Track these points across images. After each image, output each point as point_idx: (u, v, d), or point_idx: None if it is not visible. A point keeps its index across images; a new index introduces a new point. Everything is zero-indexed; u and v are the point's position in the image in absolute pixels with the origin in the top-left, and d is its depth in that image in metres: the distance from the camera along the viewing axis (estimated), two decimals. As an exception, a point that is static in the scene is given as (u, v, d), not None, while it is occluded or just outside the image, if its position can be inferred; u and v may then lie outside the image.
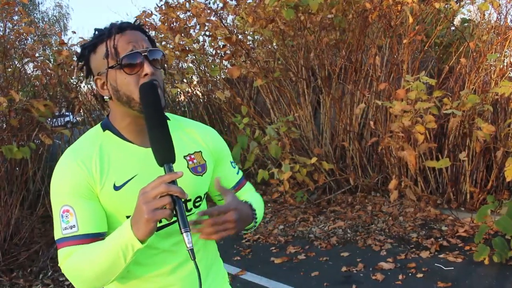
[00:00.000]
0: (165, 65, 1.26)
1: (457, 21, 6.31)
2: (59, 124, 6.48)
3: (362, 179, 5.73)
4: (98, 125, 1.28)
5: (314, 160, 4.93)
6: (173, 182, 1.03)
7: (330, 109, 5.96)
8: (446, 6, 5.37)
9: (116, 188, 1.19)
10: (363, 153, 5.83)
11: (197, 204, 1.31)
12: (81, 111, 6.59)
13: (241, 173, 1.49)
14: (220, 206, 1.15)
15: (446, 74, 5.30)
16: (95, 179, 1.17)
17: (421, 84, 4.12)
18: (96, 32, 1.22)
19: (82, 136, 1.28)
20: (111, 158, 1.21)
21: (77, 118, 7.26)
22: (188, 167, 1.28)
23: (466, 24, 5.93)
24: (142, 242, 1.04)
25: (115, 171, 1.20)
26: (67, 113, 7.03)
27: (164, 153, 1.08)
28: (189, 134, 1.34)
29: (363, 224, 4.90)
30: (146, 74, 1.15)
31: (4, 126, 4.64)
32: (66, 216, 1.15)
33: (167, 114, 1.33)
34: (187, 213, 1.26)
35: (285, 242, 4.67)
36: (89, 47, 1.22)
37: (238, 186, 1.46)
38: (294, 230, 4.98)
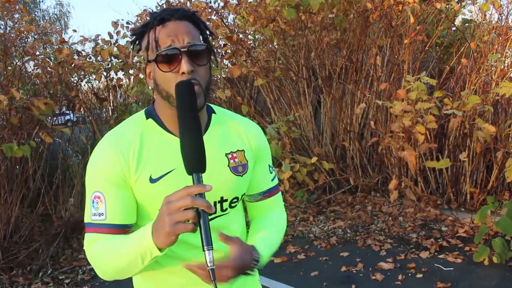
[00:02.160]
0: (215, 58, 1.18)
1: (458, 21, 6.31)
2: (60, 122, 6.48)
3: (362, 179, 5.73)
4: (143, 111, 1.24)
5: (314, 159, 4.93)
6: (201, 194, 0.96)
7: (330, 109, 5.96)
8: (447, 6, 5.37)
9: (152, 180, 1.15)
10: (364, 153, 5.83)
11: (233, 204, 1.26)
12: (81, 110, 6.59)
13: (276, 181, 1.40)
14: (220, 263, 1.08)
15: (447, 74, 5.30)
16: (130, 169, 1.14)
17: (421, 84, 4.12)
18: (149, 17, 1.17)
19: (125, 120, 1.24)
20: (151, 149, 1.17)
21: (78, 117, 7.26)
22: (228, 165, 1.23)
23: (467, 24, 5.93)
24: (160, 250, 1.01)
25: (153, 162, 1.16)
26: (67, 112, 7.03)
27: (193, 162, 1.01)
28: (234, 130, 1.28)
29: (363, 224, 4.90)
30: (183, 73, 1.08)
31: (5, 124, 4.64)
32: (97, 203, 1.14)
33: (213, 107, 1.29)
34: (222, 213, 1.23)
35: (284, 242, 4.67)
36: (138, 34, 1.19)
37: (269, 193, 1.37)
38: (294, 230, 4.98)
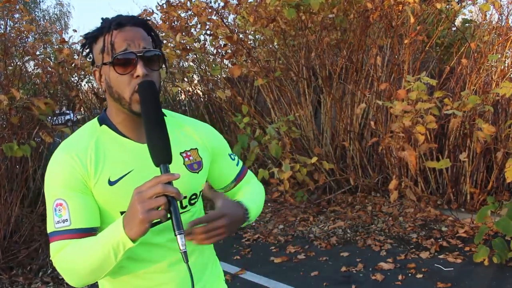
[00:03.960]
0: (165, 65, 1.24)
1: (458, 21, 6.31)
2: (60, 122, 6.48)
3: (362, 179, 5.73)
4: (95, 119, 1.27)
5: (314, 159, 4.92)
6: (169, 183, 1.02)
7: (330, 109, 5.96)
8: (447, 6, 5.37)
9: (111, 183, 1.18)
10: (364, 153, 5.83)
11: (192, 201, 1.30)
12: (81, 110, 6.60)
13: (240, 164, 1.48)
14: (210, 214, 1.15)
15: (447, 74, 5.30)
16: (89, 173, 1.16)
17: (422, 84, 4.12)
18: (102, 22, 1.20)
19: (78, 129, 1.27)
20: (106, 153, 1.20)
21: (78, 117, 7.26)
22: (184, 164, 1.28)
23: (467, 24, 5.93)
24: (133, 241, 1.03)
25: (111, 166, 1.19)
26: (67, 112, 7.03)
27: (161, 154, 1.06)
28: (185, 131, 1.33)
29: (363, 224, 4.90)
30: (137, 76, 1.13)
31: (5, 124, 4.64)
32: (59, 210, 1.15)
33: (163, 110, 1.32)
34: (182, 210, 1.26)
35: (285, 242, 4.67)
36: (90, 38, 1.21)
37: (239, 177, 1.46)
38: (294, 230, 4.98)
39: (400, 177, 5.04)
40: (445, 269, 3.72)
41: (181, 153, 1.28)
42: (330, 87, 5.85)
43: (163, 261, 1.24)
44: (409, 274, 3.68)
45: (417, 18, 5.01)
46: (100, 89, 6.64)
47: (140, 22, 1.19)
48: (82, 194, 1.16)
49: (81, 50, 1.28)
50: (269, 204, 6.01)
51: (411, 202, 5.11)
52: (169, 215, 1.02)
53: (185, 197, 1.27)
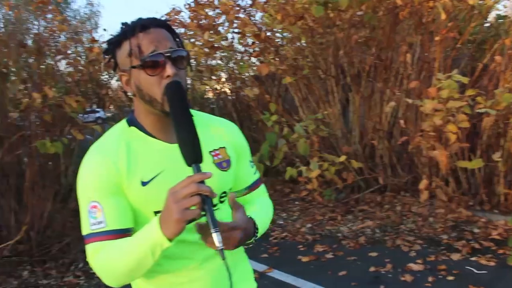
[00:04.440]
0: (190, 63, 1.25)
1: (492, 17, 6.15)
2: (90, 120, 6.60)
3: (391, 178, 5.66)
4: (124, 120, 1.29)
5: (343, 158, 4.88)
6: (202, 181, 1.03)
7: (359, 107, 5.90)
8: (480, 2, 5.24)
9: (144, 183, 1.19)
10: (393, 152, 5.75)
11: (222, 199, 1.31)
12: (111, 107, 6.70)
13: (258, 175, 1.48)
14: (229, 223, 1.14)
15: (479, 72, 5.17)
16: (122, 175, 1.18)
17: (453, 82, 4.04)
18: (123, 27, 1.22)
19: (107, 131, 1.28)
20: (137, 154, 1.21)
21: (108, 114, 7.38)
22: (213, 162, 1.28)
23: (501, 20, 5.77)
24: (170, 240, 1.05)
25: (142, 167, 1.20)
26: (97, 109, 7.16)
27: (192, 154, 1.08)
28: (213, 130, 1.34)
29: (392, 224, 4.83)
30: (168, 76, 1.14)
31: (38, 121, 4.75)
32: (94, 212, 1.16)
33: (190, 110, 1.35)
34: (213, 209, 1.27)
35: (312, 241, 4.65)
36: (114, 43, 1.22)
37: (253, 187, 1.45)
38: (322, 229, 4.95)
39: (431, 177, 4.95)
40: (477, 272, 3.64)
41: (210, 152, 1.29)
42: (359, 85, 5.79)
43: (196, 257, 1.26)
44: (440, 276, 3.61)
45: (448, 15, 4.90)
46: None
47: (162, 23, 1.21)
48: (116, 196, 1.18)
49: (103, 56, 1.29)
50: (297, 203, 6.00)
51: (441, 203, 5.01)
52: (203, 213, 1.03)
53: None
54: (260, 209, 1.39)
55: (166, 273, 1.26)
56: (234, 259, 1.36)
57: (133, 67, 1.17)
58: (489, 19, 6.06)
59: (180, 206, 1.00)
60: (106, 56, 1.27)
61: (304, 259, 4.20)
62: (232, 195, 1.20)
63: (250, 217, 1.26)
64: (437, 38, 4.89)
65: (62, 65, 5.96)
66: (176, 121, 1.10)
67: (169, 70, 1.13)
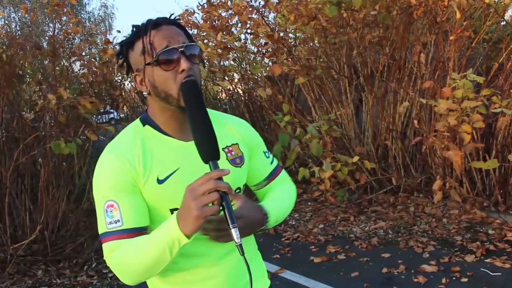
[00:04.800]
0: (203, 59, 1.25)
1: (508, 15, 6.07)
2: (104, 121, 6.66)
3: (404, 179, 5.61)
4: (138, 120, 1.29)
5: (356, 159, 4.86)
6: (220, 178, 1.04)
7: (372, 107, 5.87)
8: (496, 0, 5.17)
9: (160, 181, 1.20)
10: (406, 152, 5.70)
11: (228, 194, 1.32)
12: (124, 108, 6.75)
13: (275, 162, 1.48)
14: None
15: (495, 71, 5.10)
16: (138, 173, 1.19)
17: (468, 82, 3.99)
18: (134, 29, 1.23)
19: (122, 131, 1.29)
20: (153, 152, 1.22)
21: (121, 115, 7.44)
22: (227, 159, 1.29)
23: (517, 19, 5.69)
24: (188, 237, 1.06)
25: (158, 164, 1.21)
26: (111, 110, 7.22)
27: (210, 151, 1.08)
28: (225, 127, 1.35)
29: (405, 225, 4.79)
30: (183, 70, 1.15)
31: (53, 122, 4.81)
32: (111, 211, 1.17)
33: None
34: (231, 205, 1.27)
35: (325, 242, 4.63)
36: (126, 44, 1.23)
37: (272, 176, 1.45)
38: (334, 230, 4.93)
39: (445, 178, 4.89)
40: (492, 273, 3.59)
41: (223, 149, 1.30)
42: (372, 85, 5.76)
43: (212, 255, 1.26)
44: (454, 278, 3.57)
45: (463, 13, 4.85)
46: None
47: (172, 21, 1.22)
48: (132, 195, 1.19)
49: (116, 60, 1.30)
50: (309, 203, 5.98)
51: (455, 204, 4.95)
52: (221, 210, 1.05)
53: None
54: (275, 196, 1.40)
55: (182, 271, 1.26)
56: (248, 257, 1.35)
57: (147, 64, 1.17)
58: (505, 17, 5.98)
59: (199, 202, 1.00)
60: (119, 58, 1.28)
61: (316, 260, 4.19)
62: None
63: (258, 204, 1.27)
64: (451, 37, 4.83)
65: (77, 66, 6.04)
66: (193, 118, 1.11)
67: (184, 64, 1.14)
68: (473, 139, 4.30)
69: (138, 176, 1.19)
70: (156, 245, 1.09)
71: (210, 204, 1.02)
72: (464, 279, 3.52)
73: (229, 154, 1.31)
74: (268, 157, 1.45)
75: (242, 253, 1.04)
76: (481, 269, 3.67)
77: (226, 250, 1.27)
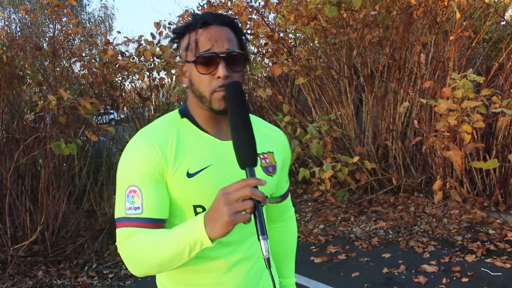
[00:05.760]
0: (249, 66, 1.23)
1: (508, 15, 6.07)
2: (104, 121, 6.67)
3: (405, 179, 5.61)
4: (176, 111, 1.27)
5: (356, 159, 4.85)
6: (256, 187, 1.00)
7: (372, 107, 5.87)
8: (496, 0, 5.17)
9: (189, 175, 1.16)
10: (407, 152, 5.70)
11: (262, 204, 1.28)
12: (125, 109, 6.75)
13: (289, 183, 1.48)
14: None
15: (495, 71, 5.10)
16: (168, 163, 1.16)
17: (468, 82, 3.98)
18: (190, 18, 1.20)
19: (158, 119, 1.26)
20: (187, 145, 1.19)
21: (121, 116, 7.44)
22: (261, 165, 1.26)
23: (517, 19, 5.69)
24: (212, 241, 1.02)
25: (190, 158, 1.18)
26: (111, 111, 7.22)
27: (248, 156, 1.05)
28: (263, 133, 1.32)
29: (405, 225, 4.79)
30: (218, 77, 1.12)
31: (53, 123, 4.81)
32: (132, 197, 1.14)
33: None
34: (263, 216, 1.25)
35: (325, 242, 4.63)
36: (179, 33, 1.21)
37: (285, 195, 1.46)
38: (334, 230, 4.93)
39: (445, 178, 4.90)
40: (492, 273, 3.59)
41: (258, 155, 1.23)
42: (372, 86, 5.76)
43: (225, 260, 1.23)
44: (454, 278, 3.57)
45: (463, 13, 4.85)
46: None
47: (227, 21, 1.18)
48: (157, 185, 1.16)
49: (170, 44, 1.28)
50: (309, 204, 5.98)
51: (456, 204, 4.95)
52: (252, 218, 1.00)
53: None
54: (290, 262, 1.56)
55: (194, 273, 1.23)
56: (259, 267, 1.33)
57: (188, 61, 1.17)
58: (505, 17, 5.98)
59: (232, 208, 0.97)
60: (173, 42, 1.25)
61: (317, 260, 4.19)
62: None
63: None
64: (451, 37, 4.83)
65: (77, 67, 6.04)
66: (234, 121, 1.07)
67: (221, 71, 1.11)
68: (473, 139, 4.30)
69: (167, 166, 1.16)
70: (177, 242, 1.05)
71: (244, 212, 0.98)
72: (465, 279, 3.52)
73: (263, 161, 1.27)
74: (287, 176, 1.45)
75: (269, 267, 0.99)
76: (482, 269, 3.67)
77: (241, 258, 1.24)
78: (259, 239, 0.99)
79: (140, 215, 1.13)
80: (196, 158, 1.18)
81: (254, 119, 1.33)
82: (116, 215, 1.16)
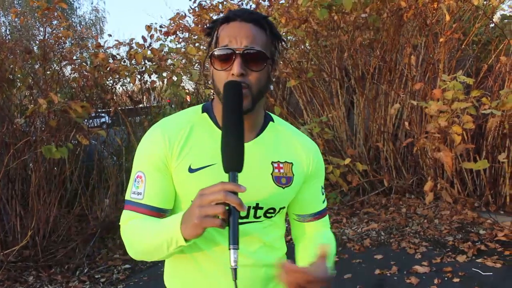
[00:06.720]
0: (272, 66, 1.18)
1: (496, 18, 6.12)
2: (95, 125, 6.63)
3: (396, 180, 5.64)
4: (200, 105, 1.27)
5: (347, 161, 4.87)
6: (234, 193, 0.95)
7: (364, 109, 5.89)
8: (485, 2, 5.22)
9: (191, 170, 1.16)
10: (398, 154, 5.73)
11: (268, 215, 1.23)
12: (116, 112, 6.71)
13: (326, 204, 1.39)
14: (311, 273, 1.02)
15: (484, 73, 5.15)
16: (173, 154, 1.17)
17: (458, 83, 4.02)
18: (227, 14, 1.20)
19: (181, 111, 1.27)
20: (197, 140, 1.19)
21: (114, 118, 7.39)
22: (272, 174, 1.21)
23: (506, 20, 5.74)
24: (186, 241, 1.02)
25: (196, 153, 1.17)
26: (102, 114, 7.19)
27: (232, 161, 1.00)
28: (289, 142, 1.27)
29: (397, 226, 4.81)
30: (232, 74, 1.09)
31: (44, 127, 4.78)
32: (138, 182, 1.18)
33: (273, 116, 1.30)
34: (255, 220, 1.21)
35: (317, 244, 4.63)
36: (210, 29, 1.21)
37: (319, 215, 1.36)
38: (326, 232, 4.93)
39: (436, 179, 4.92)
40: (483, 273, 3.61)
41: (272, 162, 1.22)
42: (363, 88, 5.78)
43: (223, 262, 1.19)
44: (446, 278, 3.59)
45: (453, 16, 4.89)
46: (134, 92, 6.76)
47: (252, 18, 1.14)
48: (162, 174, 1.18)
49: (205, 38, 1.27)
50: (301, 206, 5.97)
51: (447, 204, 4.98)
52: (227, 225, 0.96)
53: (261, 208, 1.21)
54: (327, 242, 1.30)
55: (194, 266, 1.23)
56: (269, 275, 1.29)
57: (208, 56, 1.16)
58: (494, 19, 6.04)
59: (202, 211, 0.95)
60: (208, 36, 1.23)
61: (309, 262, 4.18)
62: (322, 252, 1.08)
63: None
64: (441, 40, 4.87)
65: (68, 70, 6.01)
66: (225, 123, 1.04)
67: (235, 68, 1.08)
68: (464, 140, 4.34)
69: (171, 157, 1.17)
70: (157, 235, 1.07)
71: (218, 217, 0.95)
72: (456, 279, 3.54)
73: (276, 170, 1.22)
74: (323, 195, 1.36)
75: (235, 278, 0.95)
76: (473, 269, 3.69)
77: (243, 263, 1.19)
78: (229, 248, 0.95)
79: (140, 201, 1.17)
80: (202, 155, 1.18)
81: (287, 127, 1.30)
82: (125, 197, 1.22)
